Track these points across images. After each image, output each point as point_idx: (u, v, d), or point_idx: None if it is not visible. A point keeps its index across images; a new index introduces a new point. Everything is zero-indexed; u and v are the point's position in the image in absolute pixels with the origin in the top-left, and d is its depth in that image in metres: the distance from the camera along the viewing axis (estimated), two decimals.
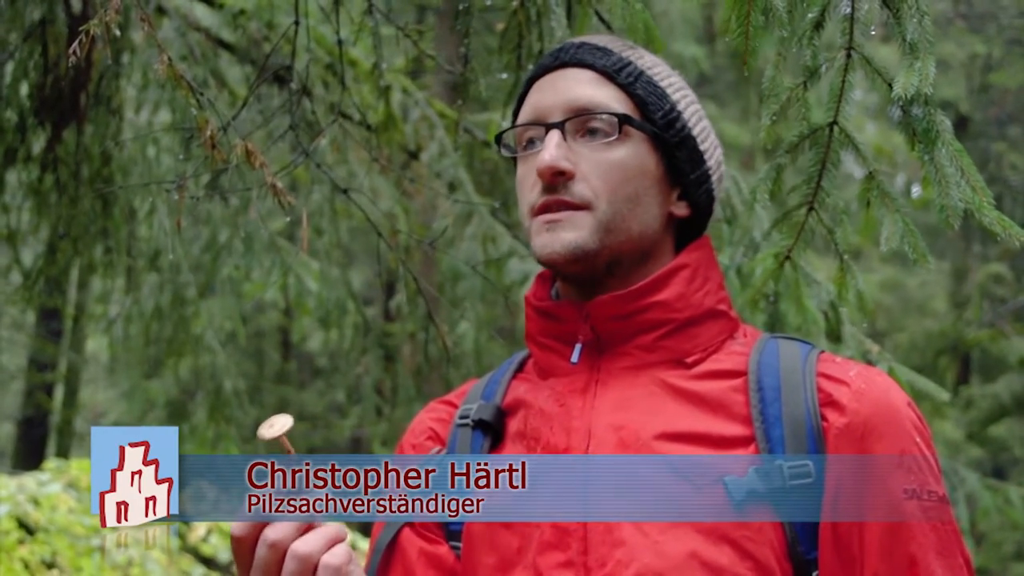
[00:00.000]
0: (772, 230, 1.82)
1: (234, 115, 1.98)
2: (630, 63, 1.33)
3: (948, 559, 1.19)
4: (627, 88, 1.31)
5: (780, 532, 1.18)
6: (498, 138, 1.38)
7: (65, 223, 3.67)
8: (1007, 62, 11.15)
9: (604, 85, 1.31)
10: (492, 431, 1.34)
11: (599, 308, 1.28)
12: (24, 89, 3.40)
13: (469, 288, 3.90)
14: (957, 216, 1.55)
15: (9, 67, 3.36)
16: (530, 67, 2.14)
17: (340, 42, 2.44)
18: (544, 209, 1.28)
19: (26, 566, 4.60)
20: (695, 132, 1.34)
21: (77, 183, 3.55)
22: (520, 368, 1.41)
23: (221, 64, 4.12)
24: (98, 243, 3.99)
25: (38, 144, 3.53)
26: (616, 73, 1.32)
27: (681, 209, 1.34)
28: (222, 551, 5.26)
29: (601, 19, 2.10)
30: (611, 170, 1.28)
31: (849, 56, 1.58)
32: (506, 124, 2.95)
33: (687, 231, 1.38)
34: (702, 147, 1.34)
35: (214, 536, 5.22)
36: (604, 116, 1.29)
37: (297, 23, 2.22)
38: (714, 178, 1.38)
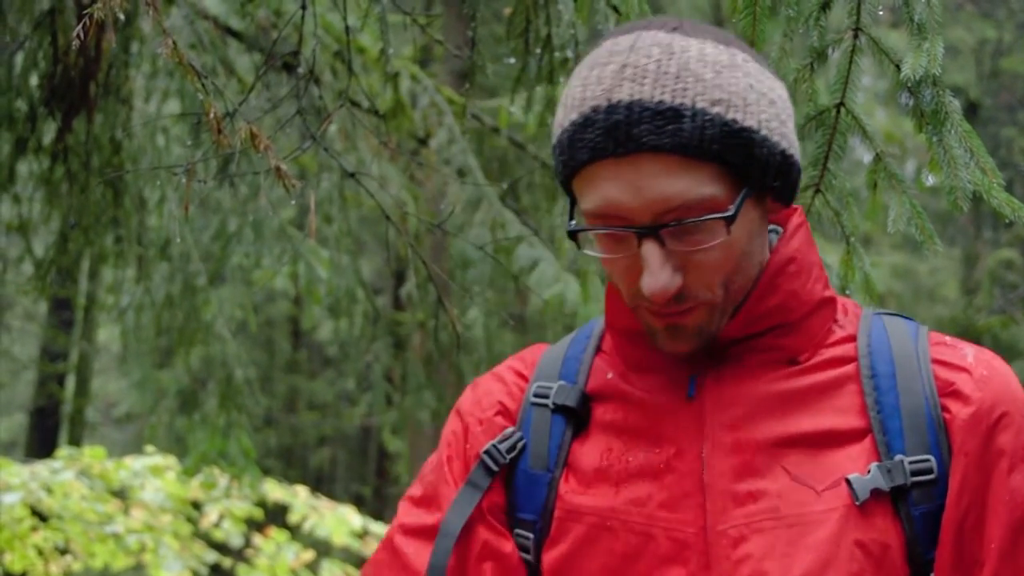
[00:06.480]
0: None
1: (241, 101, 1.98)
2: (707, 119, 1.07)
3: None
4: (716, 159, 1.08)
5: (900, 532, 1.12)
6: (572, 234, 1.19)
7: (76, 213, 3.69)
8: (1017, 47, 11.09)
9: (689, 170, 1.08)
10: (576, 418, 1.23)
11: (723, 338, 1.18)
12: (34, 79, 3.41)
13: (479, 275, 3.90)
14: (966, 198, 1.54)
15: (19, 57, 3.37)
16: (538, 51, 2.13)
17: (348, 29, 2.43)
18: (657, 312, 1.15)
19: (40, 552, 4.64)
20: (784, 144, 1.15)
21: (87, 173, 3.56)
22: (600, 346, 1.29)
23: (230, 53, 4.12)
24: (109, 232, 4.01)
25: (48, 134, 3.54)
26: (698, 149, 1.07)
27: (777, 210, 1.23)
28: (234, 536, 5.28)
29: (610, 4, 2.09)
30: (722, 262, 1.13)
31: (856, 37, 1.57)
32: (516, 109, 2.94)
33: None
34: (790, 151, 1.17)
35: (226, 522, 5.25)
36: (708, 220, 1.09)
37: (304, 8, 2.22)
38: (799, 158, 1.22)
